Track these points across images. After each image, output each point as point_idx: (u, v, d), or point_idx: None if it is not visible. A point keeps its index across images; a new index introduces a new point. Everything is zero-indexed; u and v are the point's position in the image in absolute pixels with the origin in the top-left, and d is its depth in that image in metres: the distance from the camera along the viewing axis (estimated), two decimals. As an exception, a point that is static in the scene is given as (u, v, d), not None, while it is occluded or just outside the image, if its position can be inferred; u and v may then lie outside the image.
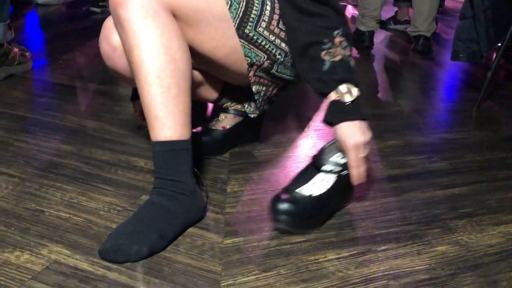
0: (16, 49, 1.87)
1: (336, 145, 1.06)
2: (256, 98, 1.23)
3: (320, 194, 1.03)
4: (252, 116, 1.30)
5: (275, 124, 1.59)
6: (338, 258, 0.95)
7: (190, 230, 1.00)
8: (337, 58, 1.02)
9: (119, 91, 1.79)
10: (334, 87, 1.02)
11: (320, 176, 1.05)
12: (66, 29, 2.76)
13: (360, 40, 2.98)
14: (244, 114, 1.35)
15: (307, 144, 1.48)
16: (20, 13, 3.02)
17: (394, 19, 3.71)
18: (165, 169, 0.95)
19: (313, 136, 1.54)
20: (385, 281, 0.90)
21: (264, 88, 1.22)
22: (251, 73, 1.16)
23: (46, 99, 1.64)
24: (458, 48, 1.84)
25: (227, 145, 1.36)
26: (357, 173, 1.03)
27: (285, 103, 1.79)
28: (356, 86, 1.04)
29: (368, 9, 2.93)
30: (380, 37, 3.15)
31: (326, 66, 1.03)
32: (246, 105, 1.31)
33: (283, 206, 0.99)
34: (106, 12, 3.23)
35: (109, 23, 1.08)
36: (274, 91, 1.27)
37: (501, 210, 1.19)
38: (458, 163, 1.43)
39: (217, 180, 1.21)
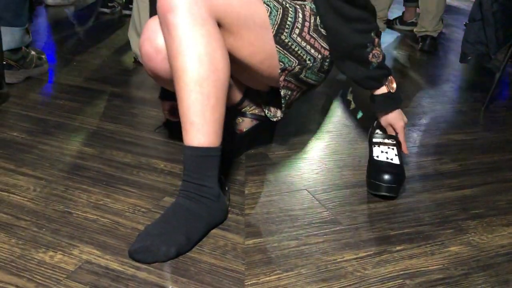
0: (33, 52, 1.91)
1: (378, 124, 1.35)
2: (282, 102, 1.27)
3: (400, 163, 1.26)
4: (274, 120, 1.35)
5: (287, 126, 1.63)
6: (356, 258, 1.00)
7: (213, 231, 1.04)
8: (381, 58, 1.22)
9: (134, 93, 1.83)
10: (384, 82, 1.25)
11: (378, 149, 1.29)
12: (77, 30, 2.80)
13: (367, 40, 3.02)
14: (260, 118, 1.39)
15: (319, 145, 1.52)
16: (32, 15, 3.06)
17: (400, 19, 3.75)
18: (195, 174, 0.99)
19: (324, 138, 1.57)
20: (401, 280, 0.94)
21: (289, 92, 1.27)
22: (282, 78, 1.20)
23: (64, 101, 1.69)
24: (467, 50, 1.87)
25: (243, 147, 1.40)
26: (405, 144, 1.31)
27: (295, 106, 1.83)
28: (391, 75, 1.26)
29: (376, 9, 2.97)
30: (387, 37, 3.19)
31: (374, 65, 1.22)
32: (266, 110, 1.35)
33: (387, 177, 1.20)
34: (115, 13, 3.26)
35: (152, 24, 1.09)
36: (298, 95, 1.32)
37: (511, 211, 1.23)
38: (467, 165, 1.47)
39: (235, 181, 1.25)
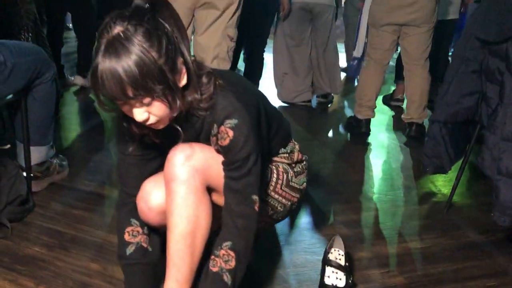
0: (55, 161, 2.26)
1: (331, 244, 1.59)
2: None
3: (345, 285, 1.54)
4: None
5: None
6: None
7: None
8: (214, 269, 1.30)
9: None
10: None
11: (330, 269, 1.56)
12: (98, 121, 3.18)
13: (358, 127, 3.32)
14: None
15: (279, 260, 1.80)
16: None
17: (390, 95, 4.12)
18: None
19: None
20: None
21: (261, 225, 1.56)
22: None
23: (79, 211, 2.01)
24: (425, 162, 2.15)
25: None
26: None
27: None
28: None
29: (364, 99, 3.27)
30: (382, 117, 3.49)
31: (207, 270, 1.32)
32: None
33: None
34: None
35: (147, 186, 1.40)
36: (266, 225, 1.62)
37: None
38: (413, 277, 1.72)
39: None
